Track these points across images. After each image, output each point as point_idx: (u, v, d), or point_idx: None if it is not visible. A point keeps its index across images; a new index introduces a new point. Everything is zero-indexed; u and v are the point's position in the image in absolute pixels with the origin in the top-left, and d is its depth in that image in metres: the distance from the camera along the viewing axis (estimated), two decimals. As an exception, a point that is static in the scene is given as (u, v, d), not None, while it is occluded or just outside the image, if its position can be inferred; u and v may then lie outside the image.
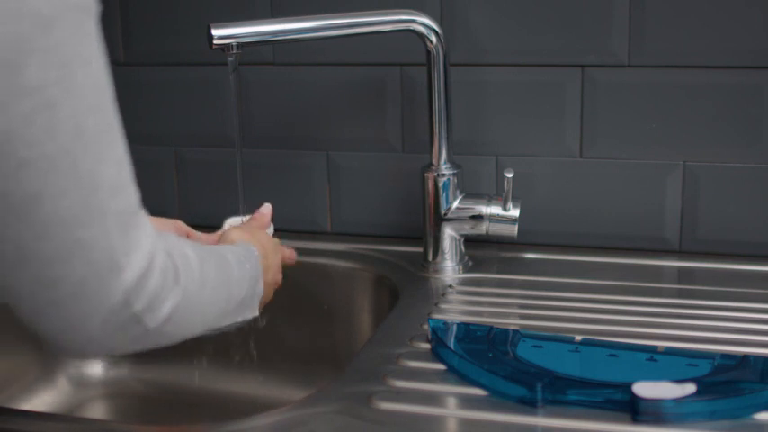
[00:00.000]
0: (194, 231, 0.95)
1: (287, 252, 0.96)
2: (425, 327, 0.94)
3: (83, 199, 0.57)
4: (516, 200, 1.09)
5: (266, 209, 0.98)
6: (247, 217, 0.99)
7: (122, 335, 0.62)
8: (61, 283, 0.58)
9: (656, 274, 1.10)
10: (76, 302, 0.59)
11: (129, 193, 0.61)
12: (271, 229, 0.99)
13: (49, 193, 0.56)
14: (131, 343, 0.63)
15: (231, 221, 1.00)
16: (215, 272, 0.71)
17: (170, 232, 0.91)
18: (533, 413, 0.77)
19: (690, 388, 0.76)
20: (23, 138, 0.55)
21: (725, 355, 0.83)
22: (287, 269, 0.96)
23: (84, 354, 0.65)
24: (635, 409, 0.75)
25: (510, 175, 1.06)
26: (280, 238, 0.98)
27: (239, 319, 0.78)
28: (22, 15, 0.54)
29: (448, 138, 1.08)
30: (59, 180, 0.56)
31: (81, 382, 1.24)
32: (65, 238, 0.57)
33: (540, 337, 0.89)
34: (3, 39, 0.53)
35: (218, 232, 0.95)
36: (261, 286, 0.82)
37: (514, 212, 1.08)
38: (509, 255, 1.17)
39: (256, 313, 0.81)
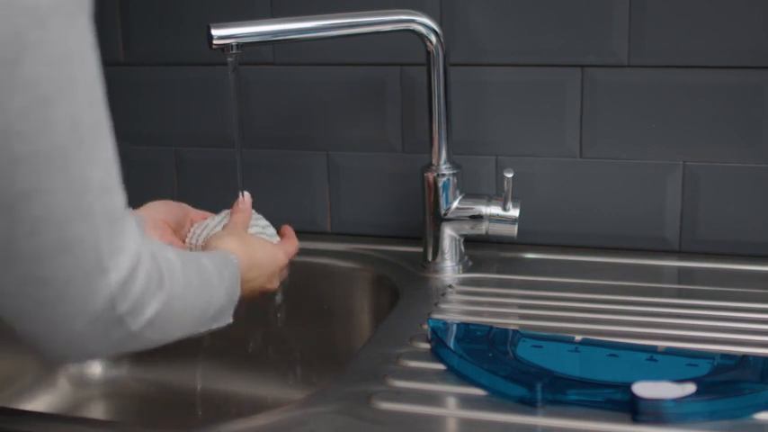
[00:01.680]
0: (197, 211, 0.96)
1: (290, 249, 0.95)
2: (425, 327, 0.94)
3: (73, 197, 0.57)
4: (516, 200, 1.09)
5: (245, 203, 0.95)
6: (224, 213, 0.96)
7: (105, 337, 0.61)
8: (48, 282, 0.58)
9: (656, 274, 1.10)
10: (62, 303, 0.58)
11: (117, 195, 0.61)
12: (271, 230, 0.98)
13: (40, 190, 0.56)
14: (113, 346, 0.63)
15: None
16: (197, 278, 0.71)
17: (171, 215, 0.93)
18: (533, 413, 0.77)
19: (690, 388, 0.76)
20: (18, 134, 0.55)
21: (725, 355, 0.83)
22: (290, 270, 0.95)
23: (65, 356, 0.64)
24: (635, 409, 0.75)
25: (510, 176, 1.06)
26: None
27: (214, 326, 0.78)
28: (17, 10, 0.54)
29: (448, 138, 1.08)
30: (51, 177, 0.56)
31: (81, 382, 1.24)
32: (53, 236, 0.57)
33: (539, 337, 0.89)
34: None
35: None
36: (237, 294, 0.81)
37: (514, 212, 1.08)
38: (509, 255, 1.17)
39: (230, 320, 0.80)
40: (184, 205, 0.97)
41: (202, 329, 0.76)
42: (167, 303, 0.64)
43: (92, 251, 0.58)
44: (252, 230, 0.94)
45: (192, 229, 0.95)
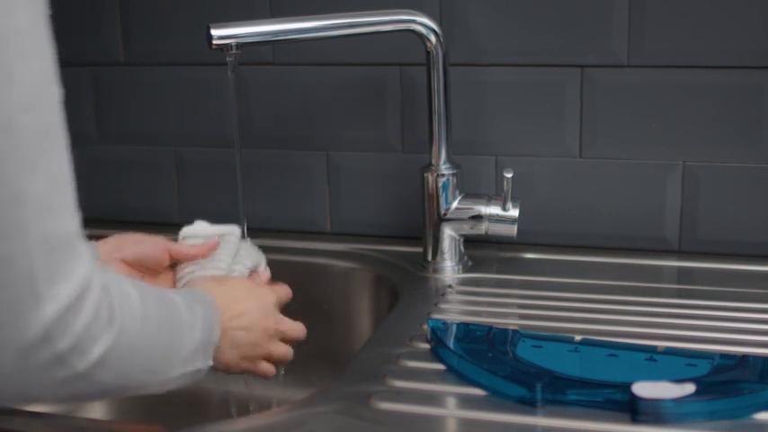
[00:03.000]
0: (178, 247, 0.88)
1: (281, 293, 0.89)
2: (425, 327, 0.94)
3: (2, 209, 0.51)
4: (516, 200, 1.09)
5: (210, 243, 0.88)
6: (201, 224, 0.92)
7: (45, 377, 0.55)
8: None
9: (656, 274, 1.10)
10: None
11: (64, 217, 0.54)
12: (263, 267, 0.93)
13: None
14: (59, 387, 0.56)
15: (187, 230, 0.92)
16: (158, 312, 0.65)
17: (138, 253, 0.84)
18: (533, 413, 0.77)
19: (689, 388, 0.76)
20: None
21: (724, 355, 0.83)
22: (289, 276, 0.92)
23: (4, 398, 0.56)
24: (634, 409, 0.75)
25: (509, 176, 1.06)
26: (271, 276, 0.94)
27: (190, 368, 0.71)
28: None
29: (447, 138, 1.08)
30: None
31: (81, 382, 1.24)
32: None
33: (539, 337, 0.89)
34: None
35: (185, 242, 0.89)
36: (217, 333, 0.75)
37: (514, 212, 1.08)
38: (509, 255, 1.17)
39: (209, 363, 0.74)
40: (161, 240, 0.88)
41: (176, 373, 0.69)
42: (118, 341, 0.58)
43: (23, 275, 0.52)
44: (215, 273, 0.89)
45: (185, 269, 0.89)
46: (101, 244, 0.84)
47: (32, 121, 0.52)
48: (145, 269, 0.87)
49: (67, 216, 0.55)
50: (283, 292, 0.90)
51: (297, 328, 0.88)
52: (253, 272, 0.92)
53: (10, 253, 0.52)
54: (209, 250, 0.89)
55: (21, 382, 0.55)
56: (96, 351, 0.57)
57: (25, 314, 0.52)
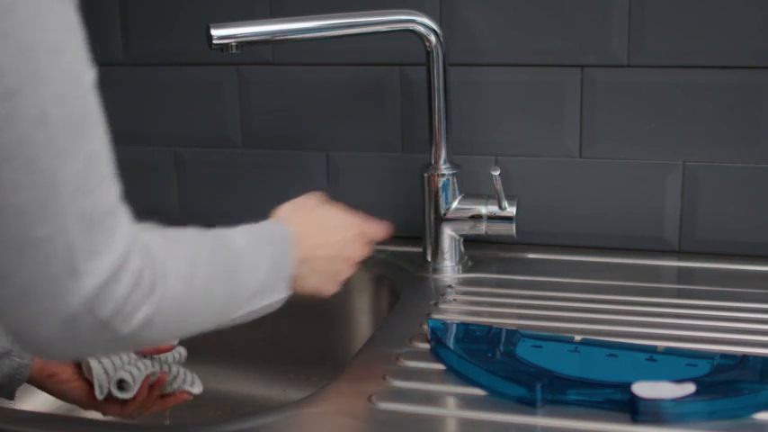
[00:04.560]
0: None
1: (374, 229, 0.89)
2: (425, 327, 0.94)
3: (39, 195, 0.54)
4: (513, 198, 1.09)
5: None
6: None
7: (91, 340, 0.58)
8: (11, 278, 0.55)
9: (656, 274, 1.10)
10: (27, 302, 0.56)
11: (101, 194, 0.57)
12: (150, 366, 0.89)
13: (2, 185, 0.53)
14: (106, 347, 0.60)
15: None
16: (210, 269, 0.67)
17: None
18: (533, 413, 0.77)
19: (689, 388, 0.76)
20: None
21: (724, 356, 0.83)
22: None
23: (47, 354, 0.61)
24: (634, 409, 0.75)
25: (496, 173, 1.05)
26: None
27: (258, 305, 0.73)
28: None
29: (447, 138, 1.08)
30: (15, 172, 0.53)
31: (81, 382, 1.24)
32: (16, 233, 0.54)
33: (539, 338, 0.89)
34: None
35: None
36: (289, 269, 0.76)
37: (511, 211, 1.08)
38: (508, 255, 1.17)
39: (283, 295, 0.76)
40: None
41: (239, 312, 0.72)
42: (162, 305, 0.60)
43: (62, 252, 0.55)
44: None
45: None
46: None
47: (66, 110, 0.55)
48: None
49: (104, 191, 0.57)
50: (380, 228, 0.90)
51: (381, 231, 0.90)
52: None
53: (48, 233, 0.54)
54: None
55: (68, 345, 0.58)
56: (139, 316, 0.59)
57: (66, 288, 0.55)
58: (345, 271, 0.86)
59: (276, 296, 0.76)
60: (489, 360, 0.84)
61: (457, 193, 1.10)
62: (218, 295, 0.68)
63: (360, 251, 0.87)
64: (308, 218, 0.84)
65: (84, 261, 0.55)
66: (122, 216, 0.59)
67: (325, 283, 0.84)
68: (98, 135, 0.57)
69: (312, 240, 0.81)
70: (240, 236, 0.73)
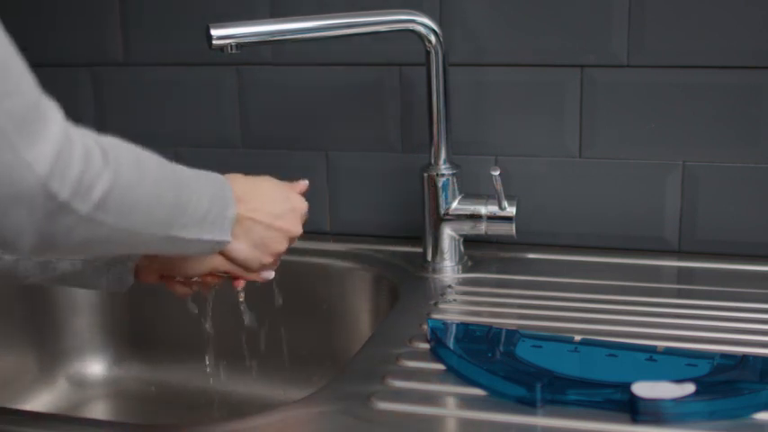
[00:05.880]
0: None
1: (299, 185, 0.93)
2: (425, 327, 0.94)
3: None
4: (512, 198, 1.09)
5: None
6: None
7: (54, 226, 0.61)
8: None
9: (656, 274, 1.10)
10: None
11: (22, 90, 0.59)
12: None
13: None
14: (69, 234, 0.62)
15: None
16: (157, 166, 0.70)
17: None
18: (533, 413, 0.77)
19: (689, 388, 0.76)
20: None
21: (724, 356, 0.83)
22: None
23: (21, 248, 0.62)
24: (634, 409, 0.75)
25: (496, 173, 1.05)
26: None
27: (207, 236, 0.76)
28: None
29: (447, 138, 1.08)
30: None
31: (81, 382, 1.25)
32: None
33: (539, 337, 0.89)
34: None
35: None
36: (232, 211, 0.79)
37: (511, 211, 1.08)
38: (508, 255, 1.17)
39: (228, 238, 0.79)
40: None
41: (188, 234, 0.74)
42: (116, 183, 0.63)
43: (5, 151, 0.57)
44: None
45: None
46: None
47: None
48: None
49: (24, 88, 0.59)
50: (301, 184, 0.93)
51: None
52: None
53: None
54: None
55: (35, 237, 0.61)
56: (96, 192, 0.62)
57: (21, 179, 0.58)
58: (280, 244, 0.86)
59: (219, 235, 0.78)
60: (489, 360, 0.84)
61: (457, 193, 1.10)
62: (167, 201, 0.70)
63: (296, 227, 0.88)
64: (248, 184, 0.85)
65: (28, 151, 0.58)
66: (50, 109, 0.61)
67: (260, 253, 0.85)
68: (3, 43, 0.59)
69: (249, 204, 0.83)
70: (184, 167, 0.75)
